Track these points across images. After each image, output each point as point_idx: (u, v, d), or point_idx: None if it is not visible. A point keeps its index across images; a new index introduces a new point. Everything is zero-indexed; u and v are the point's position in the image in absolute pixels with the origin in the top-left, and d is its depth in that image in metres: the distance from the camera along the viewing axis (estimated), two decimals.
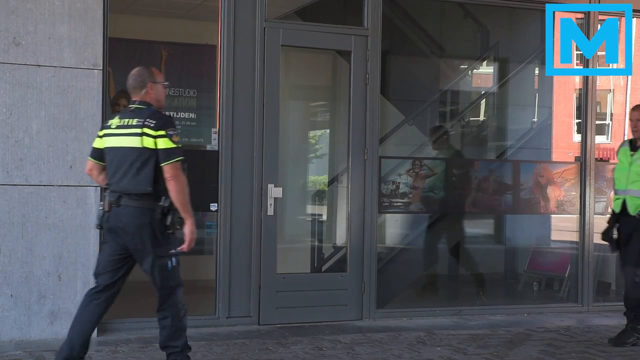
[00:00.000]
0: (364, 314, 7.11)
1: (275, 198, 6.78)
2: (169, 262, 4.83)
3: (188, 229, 4.80)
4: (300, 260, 8.48)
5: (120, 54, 7.12)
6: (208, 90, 7.35)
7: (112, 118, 4.97)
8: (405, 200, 7.53)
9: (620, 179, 6.49)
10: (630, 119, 6.54)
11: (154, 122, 4.76)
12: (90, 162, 5.05)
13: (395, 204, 7.52)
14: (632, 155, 6.44)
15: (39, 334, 6.01)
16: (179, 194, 4.73)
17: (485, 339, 6.45)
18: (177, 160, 4.75)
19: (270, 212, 6.77)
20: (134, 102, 4.95)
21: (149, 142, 4.74)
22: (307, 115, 9.75)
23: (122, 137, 4.83)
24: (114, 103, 7.32)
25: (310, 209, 9.07)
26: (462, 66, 9.75)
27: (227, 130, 6.64)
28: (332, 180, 8.70)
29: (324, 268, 8.29)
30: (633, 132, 6.51)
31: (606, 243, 6.67)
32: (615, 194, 6.57)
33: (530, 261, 8.82)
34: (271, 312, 6.79)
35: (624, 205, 6.39)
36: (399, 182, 7.50)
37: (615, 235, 6.50)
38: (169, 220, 4.77)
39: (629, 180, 6.38)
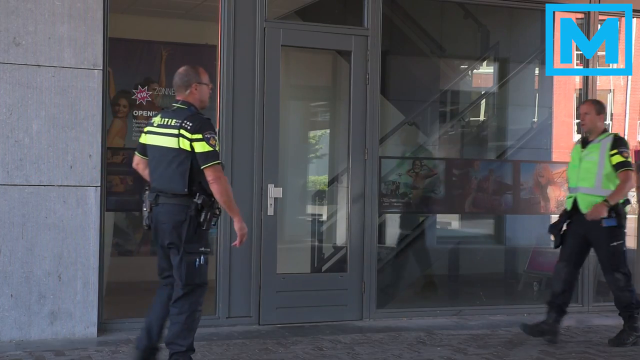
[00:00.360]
0: (364, 314, 7.11)
1: (275, 198, 6.78)
2: (197, 260, 4.87)
3: (237, 226, 4.91)
4: (301, 260, 8.48)
5: (120, 54, 7.11)
6: None
7: (156, 115, 5.05)
8: (405, 200, 7.53)
9: (571, 177, 6.43)
10: (579, 113, 6.47)
11: (190, 124, 4.81)
12: (137, 157, 5.13)
13: (395, 204, 7.52)
14: (582, 151, 6.37)
15: (39, 334, 6.01)
16: (223, 195, 4.81)
17: (485, 339, 6.45)
18: (216, 163, 4.81)
19: (270, 212, 6.76)
20: (177, 102, 5.01)
21: (185, 144, 4.80)
22: (307, 115, 9.75)
23: (161, 136, 4.91)
24: (114, 103, 7.32)
25: (310, 209, 9.07)
26: (462, 66, 9.75)
27: (227, 130, 6.64)
28: (332, 180, 8.69)
29: (324, 268, 8.29)
30: (582, 125, 6.42)
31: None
32: (568, 191, 6.51)
33: (531, 261, 8.82)
34: (271, 312, 6.79)
35: (576, 203, 6.30)
36: (399, 182, 7.50)
37: (562, 230, 6.41)
38: (202, 217, 4.84)
39: (579, 177, 6.31)
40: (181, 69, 5.06)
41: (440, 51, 9.56)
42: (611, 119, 12.52)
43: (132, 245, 8.40)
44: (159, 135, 4.92)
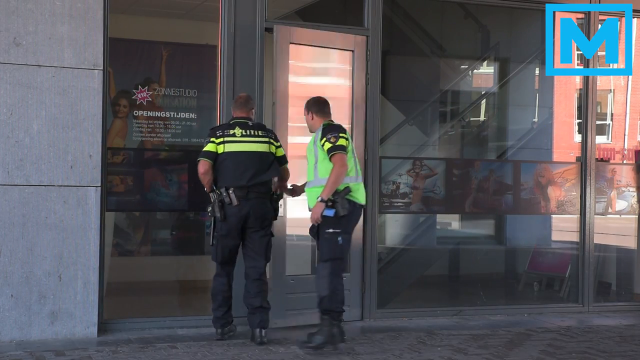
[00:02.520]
0: (365, 314, 7.11)
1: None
2: (271, 238, 6.22)
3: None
4: (301, 261, 8.46)
5: (120, 54, 7.12)
6: (208, 90, 7.36)
7: (233, 128, 6.01)
8: (405, 200, 7.53)
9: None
10: None
11: (274, 135, 6.19)
12: (208, 164, 5.98)
13: (395, 204, 7.52)
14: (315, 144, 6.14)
15: (39, 334, 6.02)
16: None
17: (486, 339, 6.45)
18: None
19: (280, 212, 6.70)
20: (243, 118, 6.11)
21: (272, 149, 6.12)
22: None
23: (251, 143, 6.02)
24: (115, 103, 7.33)
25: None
26: (462, 66, 9.75)
27: None
28: None
29: None
30: None
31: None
32: None
33: (531, 261, 8.82)
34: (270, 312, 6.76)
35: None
36: (400, 182, 7.50)
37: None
38: (278, 208, 6.23)
39: (307, 174, 6.19)
40: (244, 95, 6.23)
41: (440, 51, 9.56)
42: (611, 119, 12.51)
43: (132, 245, 8.41)
44: (248, 143, 6.01)
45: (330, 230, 5.91)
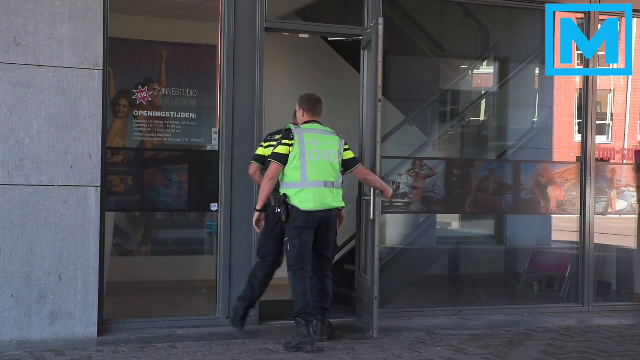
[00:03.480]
0: None
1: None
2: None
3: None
4: None
5: (120, 54, 7.12)
6: (208, 90, 7.35)
7: (279, 134, 6.14)
8: (405, 200, 7.53)
9: None
10: None
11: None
12: (255, 165, 6.24)
13: (395, 204, 7.52)
14: None
15: (39, 334, 6.02)
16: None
17: (486, 339, 6.45)
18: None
19: None
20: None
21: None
22: None
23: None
24: (115, 103, 7.33)
25: None
26: (462, 66, 9.75)
27: (227, 130, 6.64)
28: None
29: None
30: None
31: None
32: None
33: (531, 261, 8.82)
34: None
35: None
36: (400, 182, 7.50)
37: None
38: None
39: None
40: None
41: (440, 51, 9.56)
42: (611, 119, 12.52)
43: (132, 245, 8.41)
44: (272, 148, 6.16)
45: (285, 239, 6.06)
